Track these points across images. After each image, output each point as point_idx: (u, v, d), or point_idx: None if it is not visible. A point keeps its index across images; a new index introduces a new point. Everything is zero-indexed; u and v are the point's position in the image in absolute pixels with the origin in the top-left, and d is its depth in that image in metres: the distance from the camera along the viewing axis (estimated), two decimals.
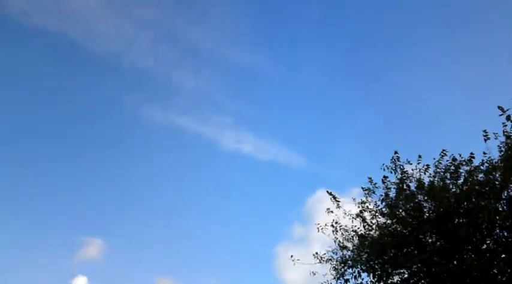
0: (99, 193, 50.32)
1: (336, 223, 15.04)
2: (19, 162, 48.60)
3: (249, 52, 50.93)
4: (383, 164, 13.99)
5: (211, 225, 48.63)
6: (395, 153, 13.94)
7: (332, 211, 15.12)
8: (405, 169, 13.90)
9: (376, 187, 14.34)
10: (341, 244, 14.69)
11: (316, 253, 14.81)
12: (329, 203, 14.95)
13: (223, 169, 51.68)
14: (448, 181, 13.25)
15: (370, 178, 14.13)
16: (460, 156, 13.37)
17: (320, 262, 14.91)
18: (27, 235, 44.87)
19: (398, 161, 13.90)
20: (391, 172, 14.05)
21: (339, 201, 15.00)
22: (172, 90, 52.82)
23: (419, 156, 13.80)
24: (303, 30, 51.39)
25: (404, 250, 13.39)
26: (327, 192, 15.18)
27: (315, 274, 14.79)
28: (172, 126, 49.78)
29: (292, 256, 15.24)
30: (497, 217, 12.43)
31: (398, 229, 13.55)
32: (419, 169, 13.75)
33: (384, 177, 14.10)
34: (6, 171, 47.22)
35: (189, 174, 52.45)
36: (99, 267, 44.75)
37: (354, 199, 14.74)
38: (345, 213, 14.78)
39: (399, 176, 13.96)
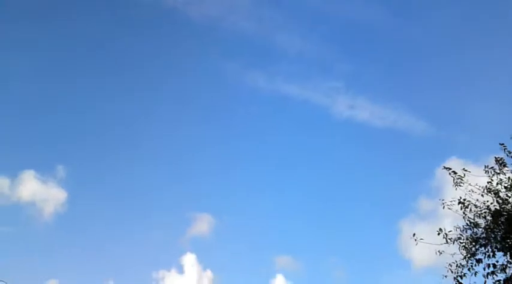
0: (208, 170, 49.31)
1: (464, 200, 13.60)
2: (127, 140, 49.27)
3: (361, 6, 45.50)
4: None
5: (327, 200, 45.29)
6: None
7: (460, 185, 13.69)
8: None
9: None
10: (472, 221, 13.26)
11: (440, 230, 13.40)
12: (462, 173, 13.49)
13: (335, 139, 47.31)
14: None
15: (502, 144, 12.60)
16: None
17: (447, 242, 13.55)
18: (138, 214, 46.30)
19: None
20: None
21: (460, 177, 13.50)
22: (276, 55, 49.23)
23: None
24: None
25: None
26: (445, 167, 13.87)
27: (441, 253, 13.55)
28: (278, 94, 46.11)
29: (414, 235, 13.89)
30: None
31: None
32: None
33: None
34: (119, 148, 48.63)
35: (297, 146, 49.01)
36: (208, 244, 44.22)
37: (485, 171, 13.21)
38: (476, 187, 13.30)
39: None
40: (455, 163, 13.97)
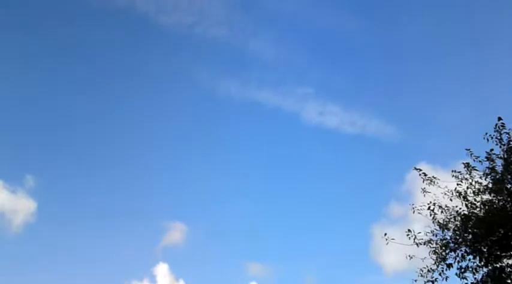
0: (180, 179, 48.71)
1: (434, 204, 13.66)
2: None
3: (333, 13, 45.26)
4: (486, 133, 12.56)
5: (298, 206, 45.18)
6: (499, 119, 12.46)
7: (429, 192, 13.76)
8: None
9: (480, 161, 12.94)
10: (441, 225, 13.31)
11: (409, 230, 13.34)
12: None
13: (306, 146, 47.17)
14: None
15: (469, 150, 12.75)
16: None
17: (417, 245, 13.57)
18: (110, 223, 45.54)
19: (504, 128, 12.40)
20: (496, 143, 12.59)
21: (431, 179, 13.57)
22: (249, 62, 48.92)
23: None
24: None
25: None
26: (415, 168, 13.94)
27: (411, 257, 13.58)
28: (250, 100, 45.74)
29: (386, 234, 13.76)
30: None
31: (508, 206, 12.09)
32: None
33: (490, 150, 12.66)
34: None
35: (269, 153, 48.78)
36: (181, 253, 43.81)
37: (453, 175, 13.30)
38: (445, 191, 13.37)
39: (505, 147, 12.47)
40: (424, 168, 14.01)
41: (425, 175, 13.74)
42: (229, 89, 45.97)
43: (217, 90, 47.24)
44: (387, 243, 13.68)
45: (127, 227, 45.46)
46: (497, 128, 12.56)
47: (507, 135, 12.50)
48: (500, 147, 12.73)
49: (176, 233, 44.35)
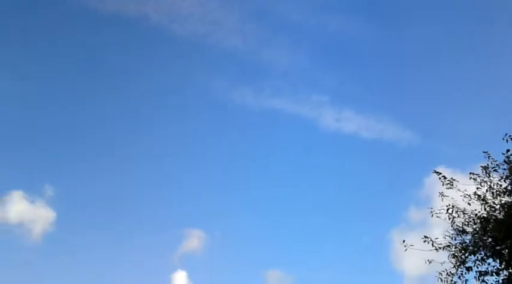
0: (199, 187, 48.51)
1: (453, 207, 13.58)
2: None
3: (345, 19, 45.19)
4: (506, 134, 12.48)
5: (317, 213, 44.83)
6: None
7: (446, 195, 13.70)
8: None
9: (497, 165, 12.86)
10: (460, 229, 13.21)
11: (426, 237, 13.28)
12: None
13: (324, 152, 46.72)
14: None
15: (486, 153, 12.69)
16: None
17: (436, 250, 13.47)
18: (129, 231, 45.60)
19: None
20: None
21: (450, 182, 13.51)
22: (263, 70, 48.60)
23: None
24: None
25: None
26: (435, 171, 13.92)
27: (430, 262, 13.47)
28: (266, 109, 45.51)
29: (404, 241, 13.70)
30: None
31: None
32: None
33: (506, 151, 12.59)
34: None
35: (287, 161, 48.39)
36: (200, 260, 43.58)
37: (471, 178, 13.23)
38: (464, 195, 13.28)
39: None
40: (443, 173, 13.95)
41: (445, 177, 13.70)
42: (244, 98, 46.05)
43: (232, 99, 47.38)
44: (406, 250, 13.61)
45: (145, 235, 45.67)
46: None
47: None
48: None
49: (194, 241, 44.32)
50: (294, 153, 48.80)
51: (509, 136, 12.62)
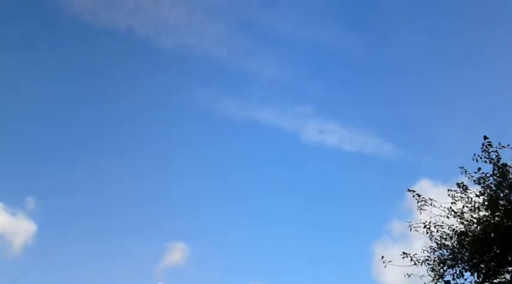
0: (181, 199, 47.86)
1: (429, 223, 13.90)
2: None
3: (330, 30, 45.37)
4: (474, 154, 12.88)
5: (299, 226, 44.71)
6: (485, 138, 12.78)
7: (424, 210, 14.02)
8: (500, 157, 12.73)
9: (474, 181, 13.22)
10: (438, 243, 13.52)
11: (404, 253, 13.52)
12: (432, 194, 13.91)
13: (306, 164, 46.57)
14: None
15: (463, 168, 13.07)
16: None
17: (415, 264, 13.73)
18: (110, 244, 44.77)
19: (491, 147, 12.73)
20: (485, 162, 12.91)
21: (425, 201, 13.86)
22: (248, 81, 48.77)
23: None
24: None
25: None
26: (409, 190, 14.20)
27: (410, 275, 13.72)
28: (250, 120, 45.15)
29: (383, 258, 14.00)
30: None
31: (504, 222, 12.31)
32: None
33: (478, 169, 12.97)
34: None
35: (270, 173, 48.21)
36: (182, 273, 42.92)
37: (448, 195, 13.58)
38: (442, 209, 13.62)
39: (497, 164, 12.76)
40: (425, 185, 14.43)
41: (419, 196, 14.00)
42: (229, 109, 45.85)
43: (216, 109, 47.10)
44: (385, 266, 13.83)
45: (127, 248, 44.82)
46: (485, 147, 12.87)
47: (495, 153, 12.81)
48: (491, 164, 13.00)
49: (177, 254, 43.77)
50: (276, 165, 48.81)
51: (478, 155, 13.00)
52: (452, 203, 13.47)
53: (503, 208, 12.38)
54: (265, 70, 47.08)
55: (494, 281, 12.50)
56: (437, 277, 13.34)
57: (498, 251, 12.37)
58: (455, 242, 13.31)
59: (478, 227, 12.88)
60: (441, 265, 13.34)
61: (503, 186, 12.48)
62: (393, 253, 13.97)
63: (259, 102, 46.86)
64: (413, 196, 14.07)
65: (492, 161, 12.91)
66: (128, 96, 51.68)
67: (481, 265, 12.64)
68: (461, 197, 13.37)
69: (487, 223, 12.67)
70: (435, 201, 13.76)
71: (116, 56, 51.92)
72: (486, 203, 12.79)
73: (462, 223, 13.30)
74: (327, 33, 45.89)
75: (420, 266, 13.67)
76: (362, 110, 47.51)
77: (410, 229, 14.18)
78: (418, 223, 14.01)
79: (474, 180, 13.15)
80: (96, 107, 51.91)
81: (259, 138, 48.79)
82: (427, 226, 13.80)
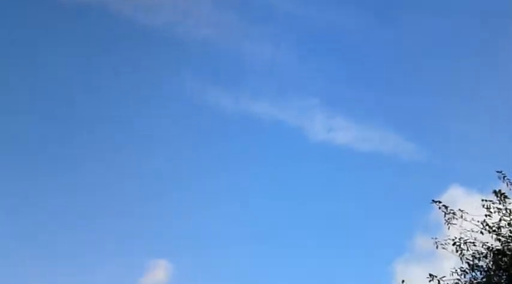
0: (164, 212, 42.59)
1: (460, 239, 12.29)
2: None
3: (339, 8, 38.50)
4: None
5: (304, 239, 38.98)
6: None
7: (454, 223, 12.48)
8: None
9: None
10: (470, 263, 11.88)
11: (430, 275, 11.95)
12: (465, 204, 12.42)
13: (312, 166, 40.41)
14: None
15: (500, 172, 11.62)
16: None
17: None
18: (88, 263, 41.56)
19: None
20: None
21: (454, 213, 12.33)
22: (242, 68, 40.84)
23: None
24: None
25: None
26: (434, 201, 12.65)
27: None
28: (245, 113, 38.67)
29: (403, 282, 12.35)
30: None
31: None
32: None
33: None
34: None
35: (268, 176, 41.84)
36: None
37: (483, 205, 11.97)
38: (475, 224, 12.01)
39: None
40: (457, 192, 12.79)
41: (446, 208, 12.52)
42: (219, 100, 39.86)
43: (204, 100, 40.74)
44: None
45: (107, 266, 41.56)
46: None
47: None
48: None
49: (159, 272, 41.18)
50: (276, 165, 43.06)
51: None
52: (487, 215, 11.97)
53: None
54: (261, 54, 39.89)
55: None
56: None
57: None
58: (491, 262, 11.73)
59: None
60: None
61: None
62: (417, 274, 12.36)
63: (255, 92, 40.25)
64: (439, 207, 12.59)
65: None
66: (104, 84, 44.82)
67: None
68: (498, 208, 11.87)
69: None
70: (466, 213, 12.21)
71: (89, 36, 45.61)
72: None
73: (499, 239, 11.74)
74: (332, 12, 39.61)
75: None
76: (376, 103, 41.18)
77: (437, 247, 12.65)
78: (446, 240, 12.50)
79: None
80: (75, 91, 44.02)
81: (257, 135, 42.28)
82: (457, 244, 12.27)
